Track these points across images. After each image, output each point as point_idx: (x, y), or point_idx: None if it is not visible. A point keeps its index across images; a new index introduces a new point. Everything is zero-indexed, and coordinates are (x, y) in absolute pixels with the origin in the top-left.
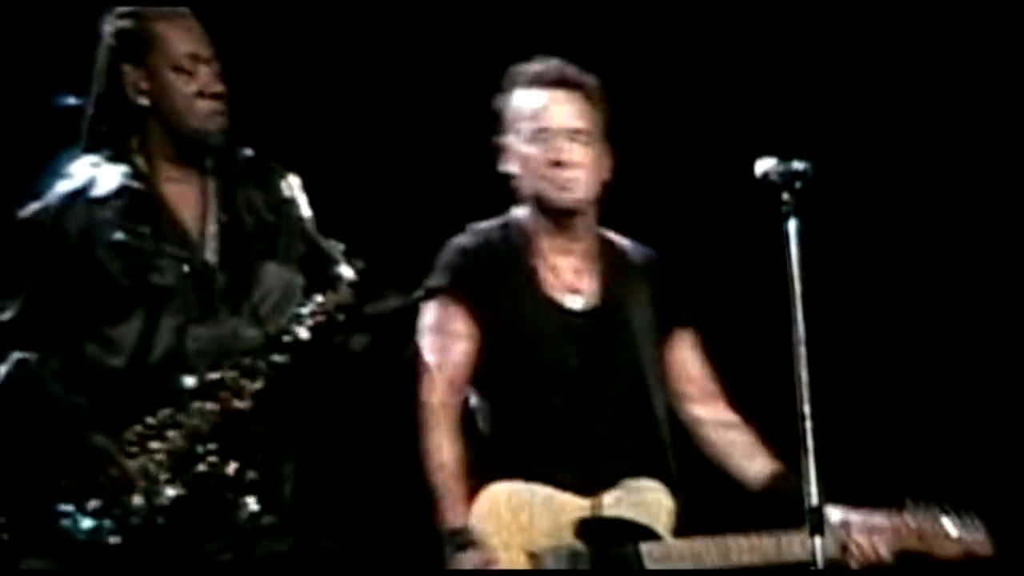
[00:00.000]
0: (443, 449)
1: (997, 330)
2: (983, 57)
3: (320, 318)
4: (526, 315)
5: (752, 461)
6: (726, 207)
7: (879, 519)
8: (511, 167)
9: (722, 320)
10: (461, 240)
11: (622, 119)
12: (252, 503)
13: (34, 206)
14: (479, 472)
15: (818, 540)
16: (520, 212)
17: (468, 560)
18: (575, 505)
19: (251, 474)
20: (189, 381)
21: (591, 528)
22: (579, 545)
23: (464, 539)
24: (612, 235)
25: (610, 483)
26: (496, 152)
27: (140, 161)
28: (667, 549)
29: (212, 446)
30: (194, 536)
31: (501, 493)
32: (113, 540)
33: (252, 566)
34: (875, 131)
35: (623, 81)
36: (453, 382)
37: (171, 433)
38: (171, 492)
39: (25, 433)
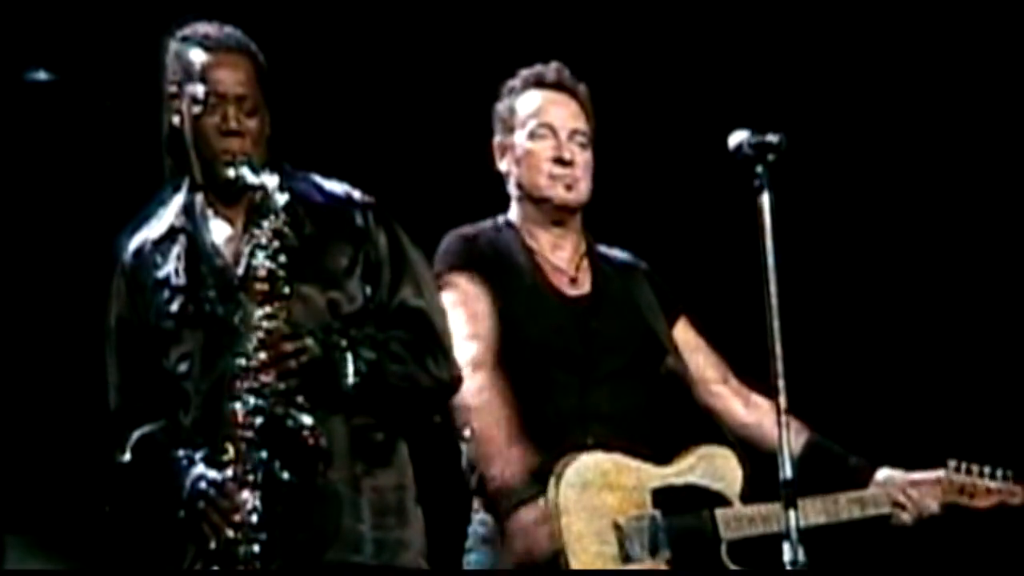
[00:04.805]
0: (504, 408)
1: (976, 302)
2: (956, 30)
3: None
4: (529, 306)
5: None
6: (699, 180)
7: (924, 475)
8: (509, 166)
9: (696, 295)
10: (462, 231)
11: (596, 93)
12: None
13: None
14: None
15: (792, 513)
16: (509, 214)
17: (525, 516)
18: (653, 474)
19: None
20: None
21: (668, 496)
22: (658, 514)
23: (522, 496)
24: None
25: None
26: (492, 152)
27: (189, 196)
28: (741, 514)
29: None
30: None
31: (589, 462)
32: None
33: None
34: (848, 102)
35: (597, 53)
36: (491, 348)
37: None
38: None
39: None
